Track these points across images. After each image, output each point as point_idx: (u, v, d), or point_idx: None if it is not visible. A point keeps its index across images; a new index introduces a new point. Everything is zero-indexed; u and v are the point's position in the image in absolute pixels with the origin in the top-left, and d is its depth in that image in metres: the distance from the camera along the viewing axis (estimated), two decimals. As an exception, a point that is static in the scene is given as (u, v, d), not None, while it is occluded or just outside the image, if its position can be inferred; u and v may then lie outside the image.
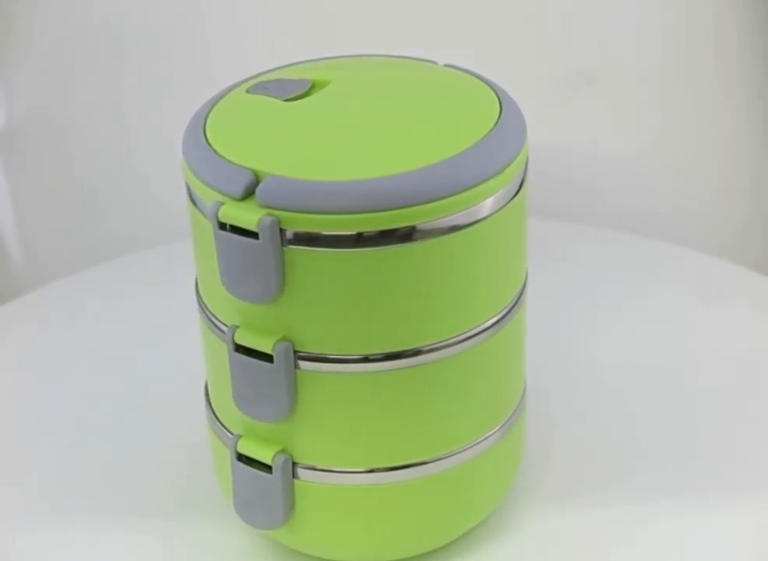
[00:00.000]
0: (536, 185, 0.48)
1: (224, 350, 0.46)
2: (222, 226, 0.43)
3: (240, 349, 0.45)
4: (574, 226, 0.77)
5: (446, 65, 0.51)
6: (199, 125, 0.47)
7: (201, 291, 0.49)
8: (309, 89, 0.48)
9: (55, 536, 0.54)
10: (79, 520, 0.54)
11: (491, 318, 0.46)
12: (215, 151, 0.45)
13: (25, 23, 0.79)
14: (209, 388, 0.51)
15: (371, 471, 0.47)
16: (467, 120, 0.46)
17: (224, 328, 0.46)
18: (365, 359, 0.45)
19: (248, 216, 0.42)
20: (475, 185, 0.43)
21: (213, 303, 0.47)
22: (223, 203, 0.43)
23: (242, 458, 0.48)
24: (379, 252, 0.43)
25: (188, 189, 0.46)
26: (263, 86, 0.49)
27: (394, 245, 0.43)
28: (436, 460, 0.47)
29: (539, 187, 0.49)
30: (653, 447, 0.57)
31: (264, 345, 0.45)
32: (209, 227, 0.44)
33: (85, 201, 0.83)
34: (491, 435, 0.49)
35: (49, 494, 0.56)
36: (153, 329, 0.67)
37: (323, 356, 0.45)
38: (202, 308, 0.48)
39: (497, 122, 0.46)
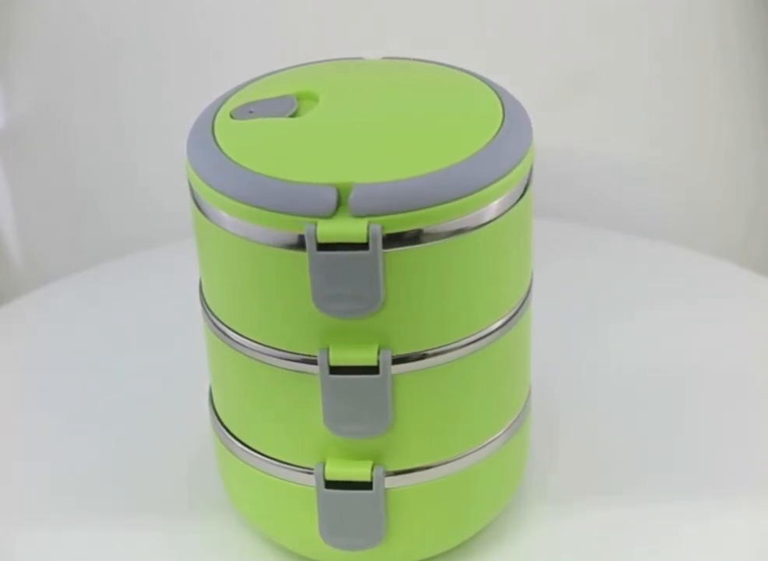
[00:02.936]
0: (537, 186, 0.48)
1: (282, 388, 0.46)
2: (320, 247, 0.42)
3: (335, 370, 0.44)
4: (575, 226, 0.77)
5: (384, 58, 0.51)
6: (218, 155, 0.45)
7: (234, 327, 0.46)
8: (299, 102, 0.47)
9: (55, 536, 0.54)
10: (80, 520, 0.54)
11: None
12: (274, 178, 0.43)
13: (25, 23, 0.79)
14: (225, 414, 0.50)
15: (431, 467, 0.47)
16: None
17: (308, 357, 0.45)
18: (452, 349, 0.45)
19: (354, 229, 0.42)
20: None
21: (279, 336, 0.45)
22: (315, 224, 0.42)
23: (330, 484, 0.47)
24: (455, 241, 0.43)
25: (228, 222, 0.44)
26: (247, 109, 0.47)
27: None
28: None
29: (540, 187, 0.49)
30: (661, 448, 0.57)
31: (367, 358, 0.44)
32: (259, 254, 0.43)
33: (85, 201, 0.83)
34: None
35: (50, 494, 0.56)
36: (153, 329, 0.67)
37: (411, 355, 0.45)
38: (234, 344, 0.47)
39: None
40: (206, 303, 0.48)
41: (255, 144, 0.45)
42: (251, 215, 0.43)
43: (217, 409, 0.51)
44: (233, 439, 0.49)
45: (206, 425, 0.52)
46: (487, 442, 0.48)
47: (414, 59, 0.52)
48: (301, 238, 0.42)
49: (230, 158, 0.44)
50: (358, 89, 0.49)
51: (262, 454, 0.48)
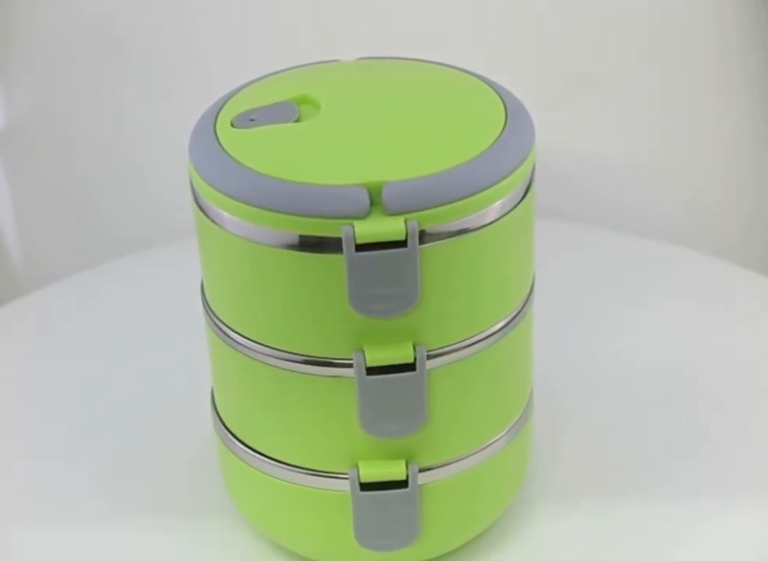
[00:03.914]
0: (537, 186, 0.48)
1: (305, 393, 0.45)
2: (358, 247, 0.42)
3: (370, 370, 0.44)
4: (574, 226, 0.77)
5: (362, 59, 0.51)
6: (231, 163, 0.44)
7: (248, 332, 0.46)
8: (300, 107, 0.47)
9: (55, 536, 0.54)
10: (80, 520, 0.54)
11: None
12: (302, 182, 0.42)
13: (25, 23, 0.79)
14: (230, 418, 0.49)
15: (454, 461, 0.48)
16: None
17: (340, 360, 0.44)
18: (474, 343, 0.45)
19: (392, 227, 0.41)
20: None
21: (308, 340, 0.44)
22: (352, 225, 0.42)
23: (365, 486, 0.46)
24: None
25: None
26: (247, 117, 0.47)
27: None
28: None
29: (540, 187, 0.49)
30: (661, 448, 0.57)
31: (404, 356, 0.44)
32: (272, 261, 0.43)
33: (85, 201, 0.83)
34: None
35: (50, 494, 0.56)
36: (153, 329, 0.67)
37: (440, 350, 0.45)
38: (241, 349, 0.46)
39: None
40: (209, 306, 0.48)
41: (268, 151, 0.45)
42: (278, 221, 0.42)
43: (220, 412, 0.50)
44: (239, 444, 0.49)
45: (207, 425, 0.52)
46: (497, 437, 0.48)
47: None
48: (328, 240, 0.42)
49: (245, 166, 0.44)
50: (358, 91, 0.48)
51: (280, 461, 0.47)
